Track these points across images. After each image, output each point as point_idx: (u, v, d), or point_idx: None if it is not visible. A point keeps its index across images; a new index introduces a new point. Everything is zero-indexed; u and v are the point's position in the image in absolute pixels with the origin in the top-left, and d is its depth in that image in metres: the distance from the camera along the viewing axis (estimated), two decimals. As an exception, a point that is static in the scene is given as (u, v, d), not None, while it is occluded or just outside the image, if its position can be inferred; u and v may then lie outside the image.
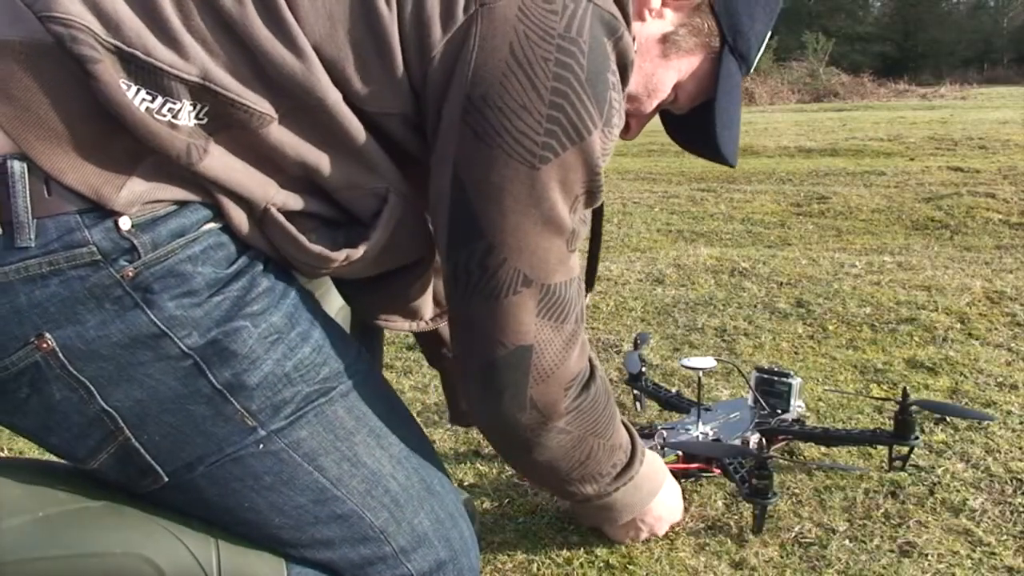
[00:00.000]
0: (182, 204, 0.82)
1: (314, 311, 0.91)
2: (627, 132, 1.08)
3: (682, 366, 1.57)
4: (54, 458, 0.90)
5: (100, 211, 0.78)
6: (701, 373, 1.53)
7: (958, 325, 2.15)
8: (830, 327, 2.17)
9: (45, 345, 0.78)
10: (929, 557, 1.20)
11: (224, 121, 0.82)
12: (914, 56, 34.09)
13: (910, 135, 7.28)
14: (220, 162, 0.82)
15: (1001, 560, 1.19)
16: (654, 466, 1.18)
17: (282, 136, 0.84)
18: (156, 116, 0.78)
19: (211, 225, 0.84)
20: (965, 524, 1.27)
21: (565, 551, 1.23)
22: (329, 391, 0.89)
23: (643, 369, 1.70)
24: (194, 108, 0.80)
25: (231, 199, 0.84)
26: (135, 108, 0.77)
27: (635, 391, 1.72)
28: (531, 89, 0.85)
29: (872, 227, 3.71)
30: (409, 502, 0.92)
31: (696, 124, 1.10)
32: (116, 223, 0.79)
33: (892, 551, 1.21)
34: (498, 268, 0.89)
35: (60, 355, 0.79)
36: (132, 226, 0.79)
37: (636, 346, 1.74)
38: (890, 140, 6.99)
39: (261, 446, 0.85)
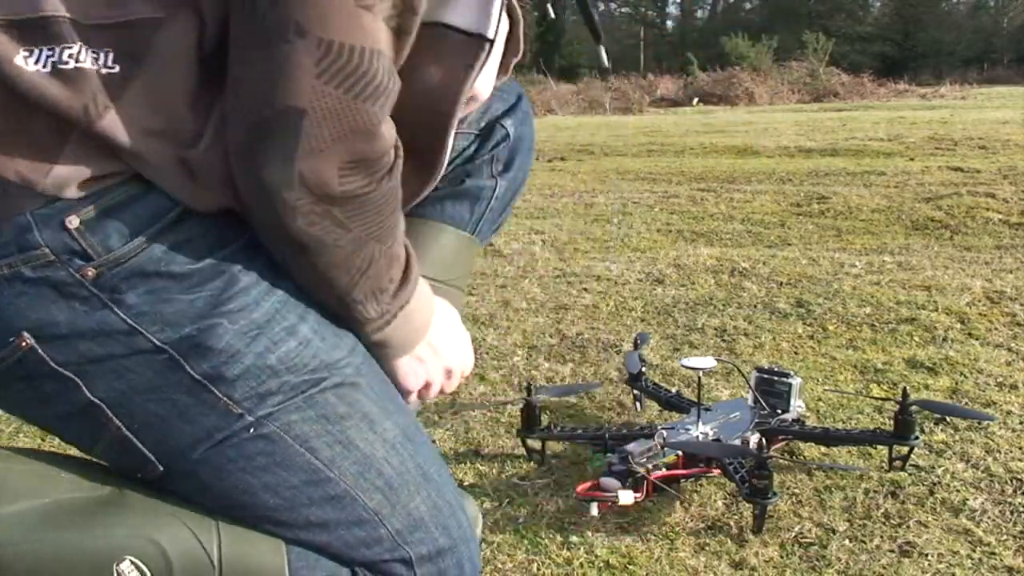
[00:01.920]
0: (132, 197, 0.82)
1: (306, 306, 0.91)
2: None
3: (682, 366, 1.57)
4: (61, 448, 0.91)
5: (51, 208, 0.79)
6: (701, 373, 1.53)
7: (958, 325, 2.15)
8: (830, 327, 2.17)
9: (24, 344, 0.80)
10: (929, 557, 1.20)
11: (130, 60, 0.80)
12: (914, 56, 34.10)
13: (910, 135, 7.28)
14: (125, 116, 0.80)
15: (1001, 560, 1.19)
16: (427, 294, 1.06)
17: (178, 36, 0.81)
18: (52, 72, 0.78)
19: (168, 217, 0.83)
20: (965, 524, 1.27)
21: (565, 551, 1.23)
22: (320, 381, 0.89)
23: (643, 369, 1.70)
24: (97, 55, 0.79)
25: (138, 162, 0.82)
26: (28, 73, 0.77)
27: (635, 391, 1.73)
28: None
29: (872, 227, 3.71)
30: (404, 487, 0.92)
31: None
32: (64, 222, 0.79)
33: (892, 551, 1.22)
34: (267, 11, 0.81)
35: (39, 351, 0.80)
36: (80, 223, 0.79)
37: (636, 346, 1.74)
38: (890, 140, 6.99)
39: (252, 430, 0.86)
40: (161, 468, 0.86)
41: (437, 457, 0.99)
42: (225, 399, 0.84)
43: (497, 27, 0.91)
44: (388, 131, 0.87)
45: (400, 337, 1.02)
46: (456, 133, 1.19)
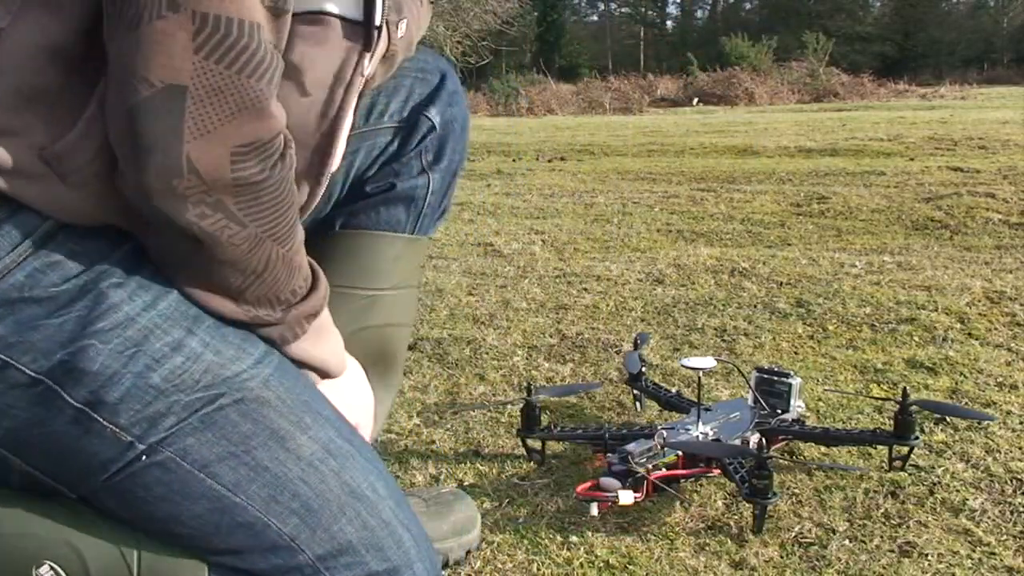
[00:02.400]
0: None
1: (196, 319, 0.85)
2: None
3: (682, 366, 1.57)
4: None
5: None
6: (701, 373, 1.53)
7: (958, 325, 2.15)
8: (830, 327, 2.17)
9: None
10: (929, 557, 1.20)
11: None
12: (914, 56, 34.13)
13: (910, 135, 7.28)
14: None
15: (1001, 560, 1.19)
16: (335, 328, 1.01)
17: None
18: None
19: (33, 236, 0.80)
20: (965, 524, 1.27)
21: (565, 551, 1.23)
22: (216, 398, 0.83)
23: (643, 369, 1.70)
24: None
25: None
26: None
27: (635, 391, 1.73)
28: None
29: (872, 227, 3.71)
30: (325, 507, 0.86)
31: None
32: None
33: (892, 551, 1.22)
34: None
35: None
36: None
37: (636, 346, 1.74)
38: (890, 140, 6.99)
39: (145, 458, 0.81)
40: (73, 495, 0.83)
41: (375, 472, 0.91)
42: (111, 427, 0.79)
43: (384, 14, 0.87)
44: (278, 111, 0.82)
45: (318, 357, 0.96)
46: (378, 129, 1.11)
